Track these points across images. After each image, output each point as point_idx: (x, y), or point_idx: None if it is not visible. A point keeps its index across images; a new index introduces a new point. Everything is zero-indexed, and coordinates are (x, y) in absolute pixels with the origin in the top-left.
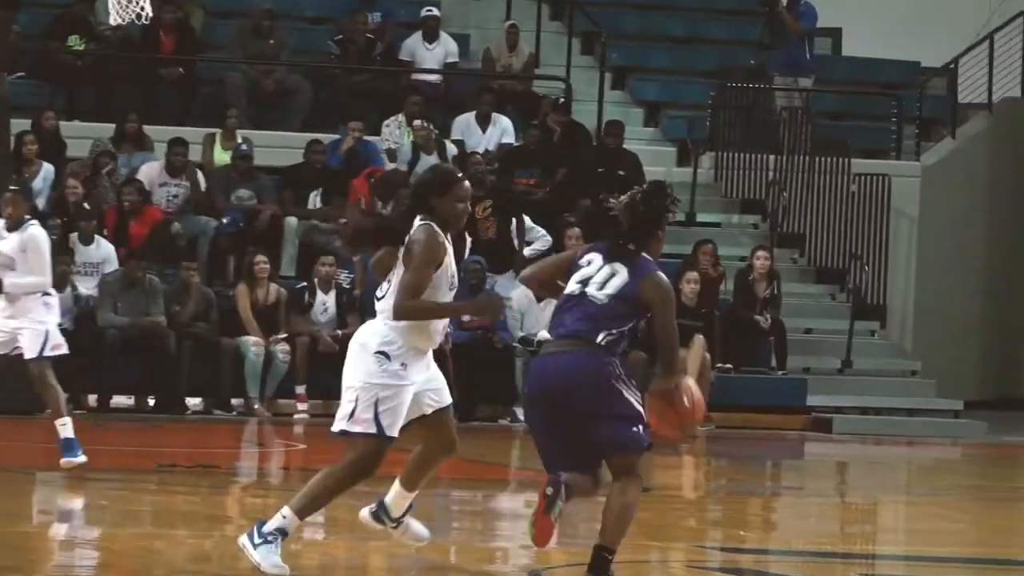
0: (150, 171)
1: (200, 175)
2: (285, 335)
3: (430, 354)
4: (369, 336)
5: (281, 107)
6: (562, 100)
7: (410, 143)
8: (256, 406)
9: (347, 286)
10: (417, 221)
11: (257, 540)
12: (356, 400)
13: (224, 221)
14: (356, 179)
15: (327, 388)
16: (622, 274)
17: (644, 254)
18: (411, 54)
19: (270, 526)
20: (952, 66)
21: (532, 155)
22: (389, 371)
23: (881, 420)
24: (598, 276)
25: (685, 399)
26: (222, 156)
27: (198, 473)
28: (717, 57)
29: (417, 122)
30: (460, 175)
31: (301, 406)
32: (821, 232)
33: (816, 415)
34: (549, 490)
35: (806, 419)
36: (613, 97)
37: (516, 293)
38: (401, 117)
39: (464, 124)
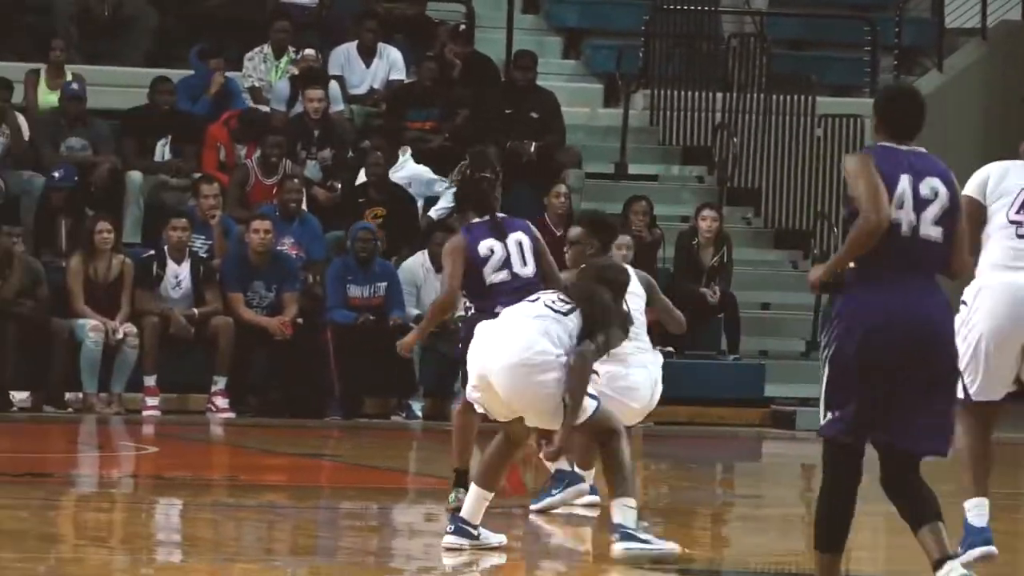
0: None
1: (22, 121)
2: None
3: None
4: None
5: (119, 37)
6: (463, 27)
7: (287, 79)
8: (95, 401)
9: (204, 255)
10: None
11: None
12: None
13: (54, 176)
14: (214, 125)
15: (183, 379)
16: None
17: None
18: None
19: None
20: None
21: (427, 93)
22: None
23: None
24: None
25: None
26: (48, 98)
27: (26, 483)
28: None
29: (310, 51)
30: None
31: (151, 400)
32: (780, 187)
33: (776, 408)
34: None
35: (764, 413)
36: (525, 23)
37: (410, 261)
38: (267, 48)
39: (344, 56)
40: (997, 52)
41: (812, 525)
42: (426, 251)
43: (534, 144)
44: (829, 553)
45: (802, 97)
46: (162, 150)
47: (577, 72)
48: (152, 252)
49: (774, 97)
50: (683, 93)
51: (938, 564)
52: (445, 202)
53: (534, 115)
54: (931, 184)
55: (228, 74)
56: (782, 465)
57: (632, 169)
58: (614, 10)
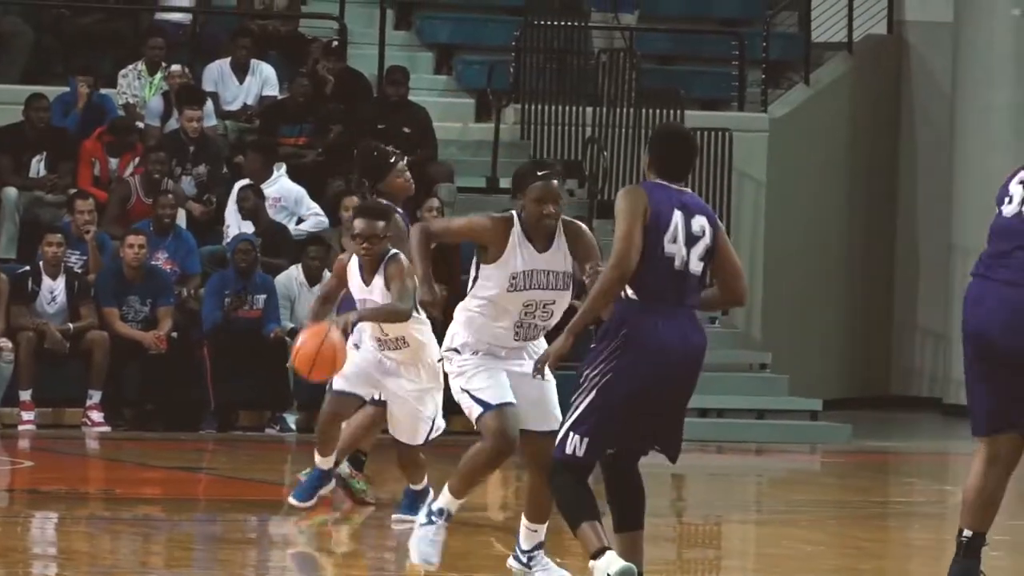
0: None
1: None
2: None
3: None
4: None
5: None
6: (335, 43)
7: (160, 95)
8: None
9: (79, 270)
10: None
11: (423, 519)
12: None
13: None
14: (88, 140)
15: (58, 393)
16: None
17: None
18: None
19: (437, 504)
20: None
21: (300, 109)
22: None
23: (724, 424)
24: None
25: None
26: None
27: None
28: None
29: (176, 67)
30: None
31: (26, 415)
32: None
33: None
34: None
35: None
36: (397, 39)
37: (284, 275)
38: (141, 65)
39: (217, 73)
40: (863, 66)
41: (567, 523)
42: (300, 265)
43: (406, 158)
44: (588, 520)
45: (671, 111)
46: (37, 166)
47: (448, 87)
48: (27, 268)
49: (644, 111)
50: (554, 108)
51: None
52: (309, 226)
53: (406, 130)
54: (700, 222)
55: (103, 91)
56: (652, 476)
57: (504, 183)
58: (485, 26)
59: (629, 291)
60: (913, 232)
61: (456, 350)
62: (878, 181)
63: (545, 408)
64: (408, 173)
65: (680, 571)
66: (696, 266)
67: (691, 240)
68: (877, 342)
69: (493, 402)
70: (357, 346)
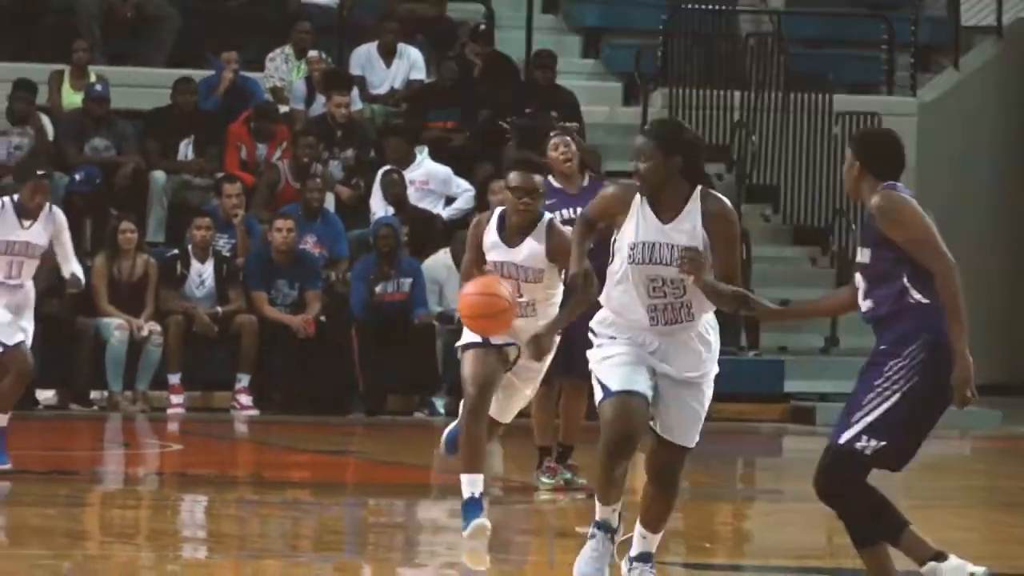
0: None
1: (46, 121)
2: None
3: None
4: None
5: (143, 38)
6: (483, 27)
7: (303, 79)
8: (120, 399)
9: (227, 253)
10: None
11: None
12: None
13: (77, 177)
14: (234, 124)
15: (207, 377)
16: None
17: None
18: None
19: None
20: None
21: (448, 93)
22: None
23: None
24: None
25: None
26: (72, 98)
27: (53, 480)
28: None
29: (313, 53)
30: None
31: (175, 398)
32: (798, 184)
33: (796, 404)
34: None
35: (783, 408)
36: (544, 23)
37: (433, 259)
38: (288, 49)
39: (364, 57)
40: (1013, 50)
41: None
42: (448, 249)
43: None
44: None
45: (819, 95)
46: (185, 150)
47: (596, 71)
48: (176, 251)
49: (792, 95)
50: (701, 92)
51: (939, 556)
52: (462, 203)
53: (554, 114)
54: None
55: (249, 75)
56: (802, 460)
57: None
58: (633, 10)
59: (917, 295)
60: None
61: (592, 331)
62: None
63: (688, 423)
64: (561, 148)
65: (830, 556)
66: None
67: None
68: None
69: (613, 388)
70: None
